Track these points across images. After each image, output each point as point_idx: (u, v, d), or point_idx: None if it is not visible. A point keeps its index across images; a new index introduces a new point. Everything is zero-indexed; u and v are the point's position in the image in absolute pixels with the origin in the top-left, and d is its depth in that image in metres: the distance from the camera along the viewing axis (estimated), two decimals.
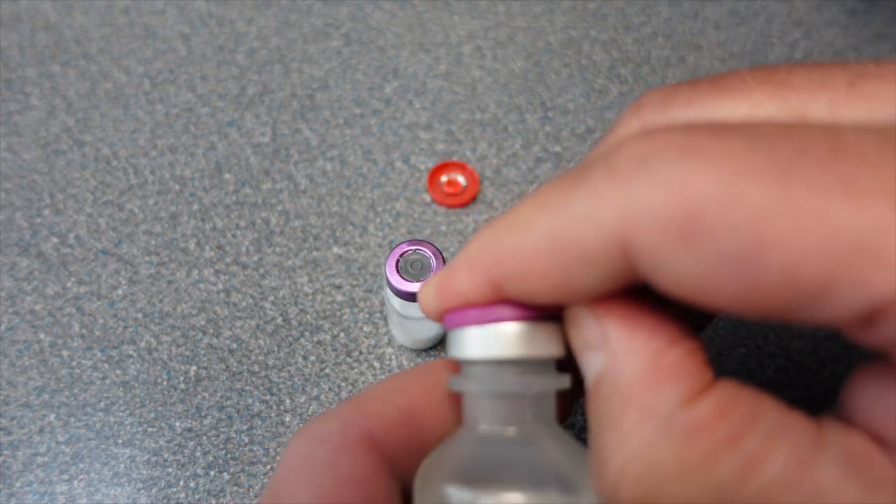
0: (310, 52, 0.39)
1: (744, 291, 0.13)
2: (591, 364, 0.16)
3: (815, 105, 0.14)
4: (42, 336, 0.31)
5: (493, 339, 0.15)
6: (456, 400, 0.18)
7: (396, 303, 0.27)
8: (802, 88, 0.15)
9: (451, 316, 0.16)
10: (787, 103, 0.15)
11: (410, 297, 0.25)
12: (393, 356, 0.30)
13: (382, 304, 0.32)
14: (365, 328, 0.31)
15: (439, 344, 0.31)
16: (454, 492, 0.15)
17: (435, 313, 0.18)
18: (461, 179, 0.35)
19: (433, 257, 0.26)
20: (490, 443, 0.16)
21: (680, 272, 0.13)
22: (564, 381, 0.16)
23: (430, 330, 0.29)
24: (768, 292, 0.13)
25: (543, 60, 0.39)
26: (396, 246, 0.26)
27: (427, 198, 0.34)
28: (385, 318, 0.31)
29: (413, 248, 0.26)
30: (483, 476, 0.15)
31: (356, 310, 0.31)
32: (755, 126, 0.13)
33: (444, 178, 0.35)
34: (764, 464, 0.13)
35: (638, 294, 0.15)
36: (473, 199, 0.34)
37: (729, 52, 0.40)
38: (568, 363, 0.16)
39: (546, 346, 0.15)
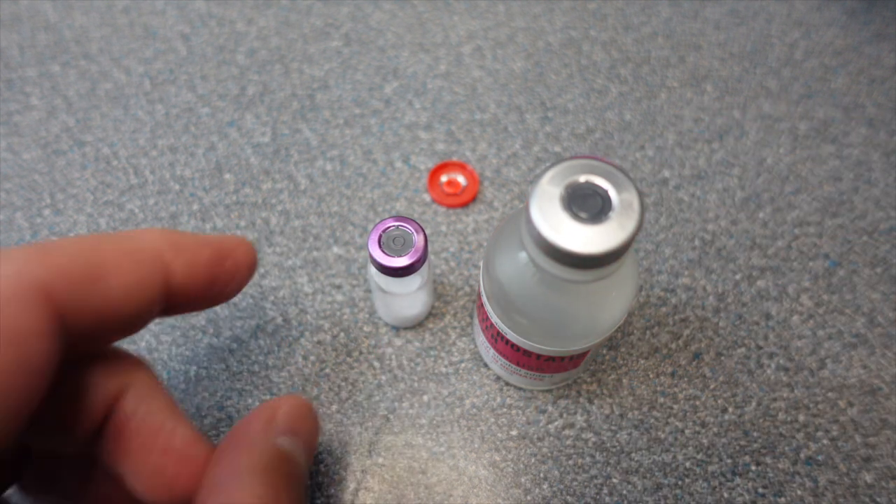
0: (310, 52, 0.39)
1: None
2: None
3: None
4: None
5: None
6: (150, 265, 0.19)
7: (380, 279, 0.27)
8: None
9: None
10: None
11: (393, 272, 0.26)
12: (393, 356, 0.30)
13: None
14: (365, 328, 0.31)
15: (422, 323, 0.31)
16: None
17: None
18: (461, 179, 0.35)
19: (415, 233, 0.26)
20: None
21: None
22: None
23: (413, 308, 0.29)
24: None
25: (543, 60, 0.39)
26: (379, 222, 0.26)
27: (427, 198, 0.34)
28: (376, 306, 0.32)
29: (396, 223, 0.26)
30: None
31: (356, 310, 0.31)
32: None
33: (444, 178, 0.35)
34: None
35: None
36: (473, 199, 0.34)
37: (729, 52, 0.40)
38: None
39: None
